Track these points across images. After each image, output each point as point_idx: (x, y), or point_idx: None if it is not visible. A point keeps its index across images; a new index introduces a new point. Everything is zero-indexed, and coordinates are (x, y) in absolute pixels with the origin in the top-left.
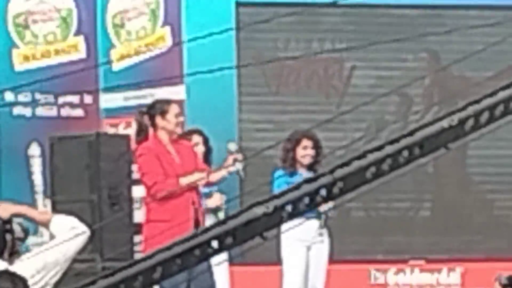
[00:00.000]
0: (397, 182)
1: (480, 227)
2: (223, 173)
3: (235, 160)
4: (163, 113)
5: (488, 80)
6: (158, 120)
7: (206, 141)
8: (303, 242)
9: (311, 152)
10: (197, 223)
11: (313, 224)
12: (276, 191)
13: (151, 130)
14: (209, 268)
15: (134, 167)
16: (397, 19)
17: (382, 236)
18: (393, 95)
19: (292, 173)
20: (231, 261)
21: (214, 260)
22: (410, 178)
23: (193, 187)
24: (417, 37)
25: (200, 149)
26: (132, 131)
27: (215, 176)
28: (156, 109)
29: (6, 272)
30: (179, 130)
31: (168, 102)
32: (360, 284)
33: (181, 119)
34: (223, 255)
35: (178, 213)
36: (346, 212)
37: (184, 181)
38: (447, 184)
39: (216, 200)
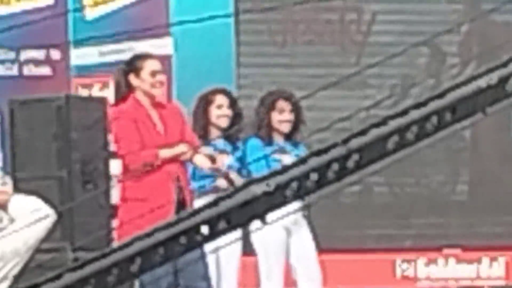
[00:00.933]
0: (427, 154)
1: None
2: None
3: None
4: (137, 70)
5: None
6: (132, 78)
7: (232, 103)
8: (282, 226)
9: (289, 116)
10: (182, 204)
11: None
12: (253, 165)
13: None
14: (202, 258)
15: (111, 136)
16: None
17: (410, 219)
18: (423, 46)
19: (268, 143)
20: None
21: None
22: (443, 149)
23: (177, 160)
24: None
25: (225, 113)
26: (109, 92)
27: (199, 160)
28: (131, 65)
29: None
30: (157, 92)
31: (144, 56)
32: (384, 277)
33: (160, 77)
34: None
35: (157, 191)
36: (366, 190)
37: (164, 153)
38: (488, 155)
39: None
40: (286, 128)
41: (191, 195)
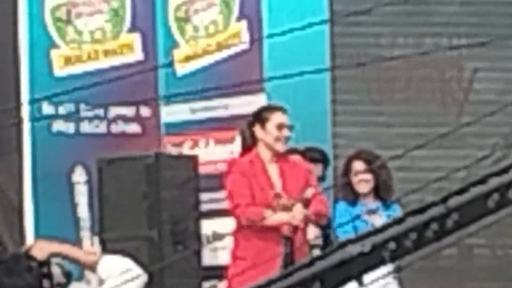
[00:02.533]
0: None
1: None
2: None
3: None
4: (263, 121)
5: None
6: (257, 129)
7: (325, 164)
8: None
9: (365, 177)
10: (291, 259)
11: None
12: (340, 228)
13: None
14: None
15: (204, 196)
16: None
17: None
18: None
19: (353, 204)
20: None
21: None
22: None
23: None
24: None
25: (364, 177)
26: (200, 151)
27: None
28: (257, 117)
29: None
30: (280, 147)
31: (273, 108)
32: None
33: (285, 133)
34: None
35: (264, 249)
36: (465, 252)
37: (270, 214)
38: None
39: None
40: (363, 188)
41: (305, 248)
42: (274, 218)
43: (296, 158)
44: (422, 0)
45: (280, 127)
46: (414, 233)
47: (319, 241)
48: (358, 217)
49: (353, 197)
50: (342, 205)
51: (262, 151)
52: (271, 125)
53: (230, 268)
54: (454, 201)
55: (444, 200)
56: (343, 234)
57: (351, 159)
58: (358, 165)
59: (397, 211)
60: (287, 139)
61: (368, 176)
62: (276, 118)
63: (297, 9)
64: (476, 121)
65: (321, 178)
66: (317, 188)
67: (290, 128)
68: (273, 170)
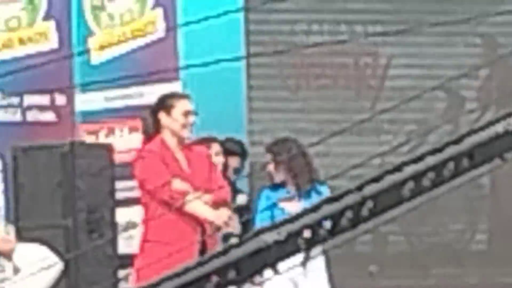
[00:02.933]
0: (445, 201)
1: None
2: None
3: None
4: (169, 108)
5: None
6: (162, 117)
7: (243, 157)
8: (289, 278)
9: (270, 167)
10: (204, 247)
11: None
12: (259, 215)
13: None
14: None
15: (119, 184)
16: (444, 2)
17: (428, 269)
18: (441, 91)
19: (275, 191)
20: None
21: None
22: (462, 196)
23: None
24: (469, 19)
25: (219, 161)
26: (115, 139)
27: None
28: (162, 104)
29: None
30: (186, 133)
31: (178, 95)
32: None
33: (191, 119)
34: None
35: (180, 234)
36: (381, 239)
37: (192, 198)
38: (509, 203)
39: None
40: (281, 176)
41: (216, 239)
42: (200, 208)
43: (198, 147)
44: None
45: (186, 114)
46: (329, 221)
47: (233, 229)
48: (274, 204)
49: (275, 185)
50: (264, 193)
51: (168, 138)
52: (177, 112)
53: (139, 256)
54: (369, 189)
55: (360, 188)
56: (261, 221)
57: (266, 149)
58: (267, 155)
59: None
60: (191, 125)
61: (272, 166)
62: (182, 105)
63: None
64: (392, 108)
65: (238, 170)
66: (220, 175)
67: (195, 114)
68: (181, 158)
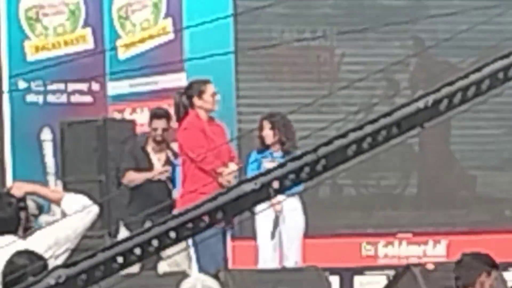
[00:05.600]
0: (385, 161)
1: (463, 202)
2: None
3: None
4: (201, 93)
5: (471, 65)
6: (196, 100)
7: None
8: (271, 218)
9: (267, 132)
10: None
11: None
12: (249, 171)
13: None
14: (220, 237)
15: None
16: (385, 10)
17: (372, 211)
18: (382, 80)
19: (261, 153)
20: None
21: None
22: (398, 157)
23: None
24: (403, 25)
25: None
26: (138, 116)
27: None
28: (194, 90)
29: (24, 251)
30: (216, 108)
31: (204, 82)
32: (352, 256)
33: (217, 97)
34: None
35: (207, 189)
36: (338, 189)
37: (226, 171)
38: (432, 161)
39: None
40: (268, 140)
41: None
42: (225, 177)
43: (218, 122)
44: (303, 4)
45: (213, 95)
46: (293, 175)
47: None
48: (259, 163)
49: (263, 147)
50: (253, 154)
51: (202, 115)
52: (207, 95)
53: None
54: (322, 150)
55: (315, 149)
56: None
57: (262, 119)
58: (266, 123)
59: None
60: (217, 102)
61: (270, 132)
62: (209, 89)
63: (209, 7)
64: (345, 87)
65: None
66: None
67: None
68: (208, 129)
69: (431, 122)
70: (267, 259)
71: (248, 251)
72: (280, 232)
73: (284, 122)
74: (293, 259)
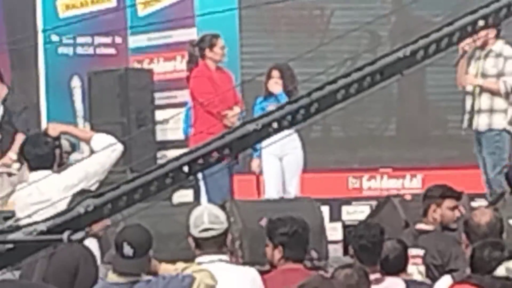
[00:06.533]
0: (369, 105)
1: (436, 141)
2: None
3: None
4: (211, 46)
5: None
6: (207, 52)
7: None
8: (276, 155)
9: (278, 81)
10: None
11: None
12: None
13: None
14: (226, 172)
15: (156, 95)
16: None
17: (357, 150)
18: (365, 34)
19: (266, 99)
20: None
21: None
22: (379, 102)
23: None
24: None
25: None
26: (155, 65)
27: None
28: (205, 42)
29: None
30: (224, 59)
31: (215, 36)
32: (340, 188)
33: (225, 50)
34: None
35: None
36: (327, 130)
37: (230, 113)
38: (410, 106)
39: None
40: (276, 89)
41: None
42: (230, 118)
43: (225, 70)
44: None
45: (222, 48)
46: (290, 116)
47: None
48: (263, 107)
49: (268, 94)
50: (259, 99)
51: (210, 64)
52: (217, 47)
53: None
54: (315, 95)
55: (309, 94)
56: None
57: (271, 69)
58: (275, 73)
59: None
60: (224, 55)
61: (280, 80)
62: (220, 42)
63: None
64: (331, 40)
65: None
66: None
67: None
68: (216, 77)
69: (409, 69)
70: (272, 192)
71: (251, 184)
72: (282, 168)
73: (291, 72)
74: (293, 192)
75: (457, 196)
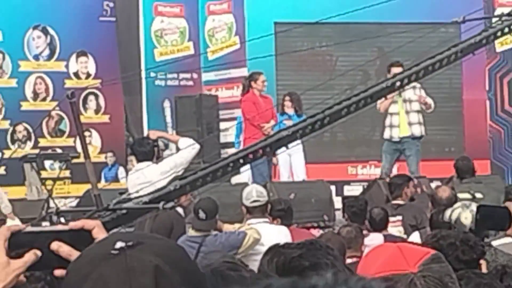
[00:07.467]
0: (362, 118)
1: None
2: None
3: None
4: (256, 80)
5: (412, 62)
6: (253, 84)
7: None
8: (286, 153)
9: (289, 104)
10: None
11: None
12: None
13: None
14: (267, 163)
15: (221, 112)
16: (361, 30)
17: (354, 148)
18: (359, 72)
19: (282, 113)
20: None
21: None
22: (369, 116)
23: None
24: (371, 39)
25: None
26: (220, 92)
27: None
28: (252, 77)
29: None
30: (264, 89)
31: (259, 73)
32: (342, 174)
33: (266, 83)
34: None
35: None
36: (334, 136)
37: (266, 126)
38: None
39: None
40: (289, 110)
41: None
42: (267, 129)
43: (266, 96)
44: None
45: (263, 81)
46: (310, 126)
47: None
48: (281, 121)
49: (283, 112)
50: (279, 116)
51: (256, 92)
52: (260, 81)
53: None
54: (327, 112)
55: (323, 111)
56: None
57: (284, 96)
58: (287, 98)
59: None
60: (265, 86)
61: (292, 104)
62: (261, 78)
63: (259, 28)
64: (338, 76)
65: None
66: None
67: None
68: (260, 101)
69: (390, 94)
70: (284, 177)
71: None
72: (291, 161)
73: (297, 97)
74: (301, 176)
75: (412, 179)
